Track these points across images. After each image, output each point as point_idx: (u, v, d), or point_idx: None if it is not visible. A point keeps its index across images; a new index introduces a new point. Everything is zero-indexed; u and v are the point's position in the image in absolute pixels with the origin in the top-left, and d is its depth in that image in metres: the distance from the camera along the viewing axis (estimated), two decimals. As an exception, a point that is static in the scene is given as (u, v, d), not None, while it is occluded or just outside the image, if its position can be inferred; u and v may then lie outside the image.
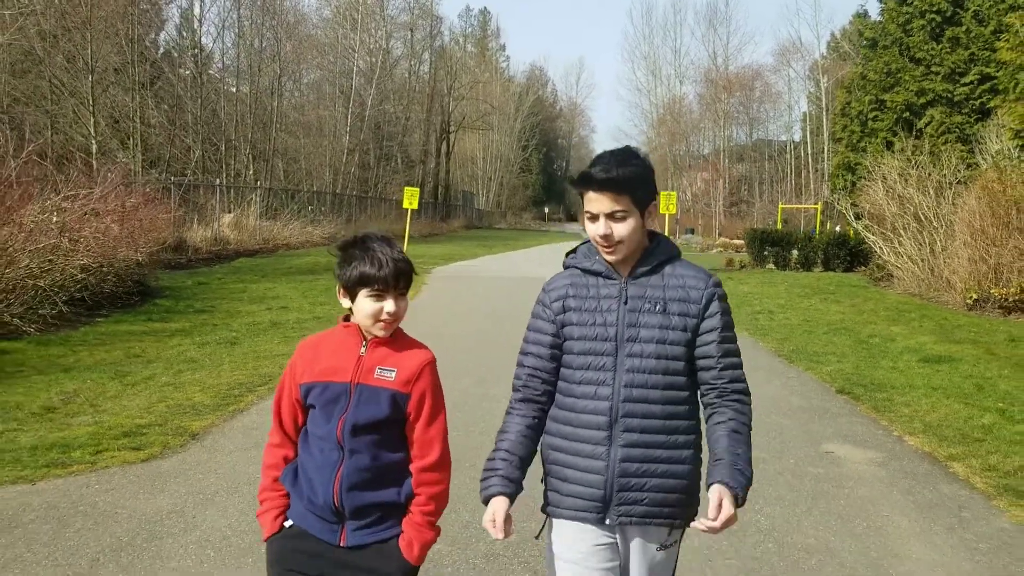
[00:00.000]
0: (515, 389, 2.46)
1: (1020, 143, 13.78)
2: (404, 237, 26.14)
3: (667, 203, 25.15)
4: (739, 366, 2.37)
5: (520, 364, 2.45)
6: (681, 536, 2.40)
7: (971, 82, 19.66)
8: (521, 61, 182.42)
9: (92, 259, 11.89)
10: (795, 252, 25.62)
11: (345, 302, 2.27)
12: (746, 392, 2.36)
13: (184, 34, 41.27)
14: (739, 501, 2.20)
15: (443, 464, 2.32)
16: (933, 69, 20.67)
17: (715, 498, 2.17)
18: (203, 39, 37.36)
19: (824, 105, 50.05)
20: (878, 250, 20.13)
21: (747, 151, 70.61)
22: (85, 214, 12.18)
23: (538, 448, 2.44)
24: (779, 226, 32.34)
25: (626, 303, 2.31)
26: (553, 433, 2.39)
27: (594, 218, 2.30)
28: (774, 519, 4.71)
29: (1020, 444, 6.25)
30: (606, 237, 2.29)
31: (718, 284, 2.37)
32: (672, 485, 2.29)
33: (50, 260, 11.38)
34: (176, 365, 8.72)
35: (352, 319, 2.30)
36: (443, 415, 2.33)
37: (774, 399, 7.74)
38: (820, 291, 18.21)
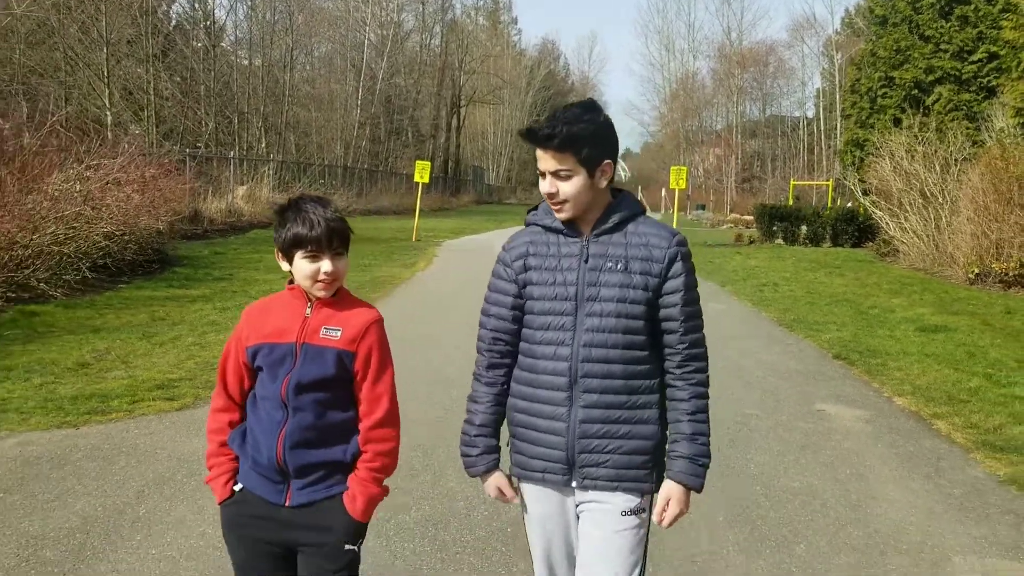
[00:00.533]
0: (479, 352, 2.44)
1: (1021, 121, 13.96)
2: (416, 210, 26.42)
3: (677, 178, 25.38)
4: (700, 328, 2.34)
5: (482, 326, 2.42)
6: (651, 503, 2.34)
7: (979, 60, 19.78)
8: (533, 34, 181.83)
9: (115, 227, 12.27)
10: (804, 228, 25.82)
11: (284, 265, 2.27)
12: (704, 358, 2.35)
13: (196, 6, 41.57)
14: (696, 490, 2.28)
15: (390, 421, 2.31)
16: (942, 47, 20.77)
17: (662, 498, 2.26)
18: (216, 11, 37.40)
19: (837, 82, 49.87)
20: (884, 225, 20.35)
21: (760, 127, 70.37)
22: (107, 183, 12.54)
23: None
24: (791, 202, 32.53)
25: (587, 261, 2.27)
26: (516, 395, 2.38)
27: (543, 175, 2.27)
28: (763, 466, 5.07)
29: (1002, 405, 6.58)
30: (551, 195, 2.26)
31: (682, 243, 2.32)
32: (636, 446, 2.27)
33: (74, 227, 11.76)
34: (200, 327, 9.11)
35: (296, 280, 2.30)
36: (390, 372, 2.32)
37: (772, 364, 8.08)
38: (826, 265, 18.48)
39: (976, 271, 15.05)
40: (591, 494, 2.29)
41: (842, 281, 15.39)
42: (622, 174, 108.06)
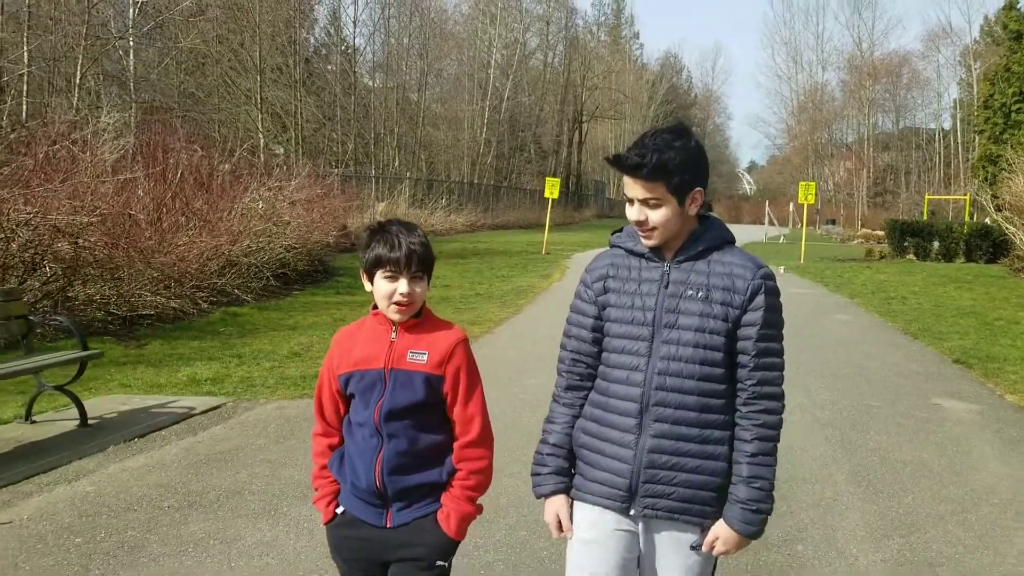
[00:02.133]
0: (559, 373, 2.42)
1: None
2: (545, 226, 27.64)
3: (806, 193, 25.73)
4: (776, 367, 2.23)
5: (563, 347, 2.40)
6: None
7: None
8: (655, 48, 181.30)
9: (294, 241, 14.01)
10: (936, 243, 25.66)
11: (367, 285, 2.33)
12: (776, 397, 2.24)
13: (331, 32, 44.38)
14: (750, 538, 2.22)
15: (484, 441, 2.35)
16: (1082, 58, 20.49)
17: (713, 533, 2.22)
18: (356, 40, 39.86)
19: (976, 92, 48.32)
20: (1018, 241, 20.23)
21: (893, 140, 68.48)
22: (288, 203, 14.32)
23: None
24: (924, 217, 32.11)
25: (667, 287, 2.23)
26: (587, 417, 2.34)
27: (631, 201, 2.23)
28: (880, 443, 5.94)
29: (1113, 404, 7.16)
30: (640, 223, 2.22)
31: (769, 276, 2.23)
32: (703, 482, 2.21)
33: (261, 242, 13.55)
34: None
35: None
36: (479, 391, 2.36)
37: (895, 365, 8.82)
38: (956, 280, 18.59)
39: (1112, 286, 15.02)
40: (655, 524, 2.26)
41: (971, 295, 15.64)
42: (747, 188, 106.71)
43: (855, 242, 38.37)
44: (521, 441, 5.36)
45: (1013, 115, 21.83)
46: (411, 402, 2.26)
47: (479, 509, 2.37)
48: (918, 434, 6.20)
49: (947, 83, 64.70)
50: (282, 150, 31.28)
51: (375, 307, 2.34)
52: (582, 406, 2.37)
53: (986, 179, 23.57)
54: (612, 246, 2.40)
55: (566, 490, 2.35)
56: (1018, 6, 24.74)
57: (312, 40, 42.22)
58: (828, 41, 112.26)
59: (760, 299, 2.19)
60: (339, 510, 2.37)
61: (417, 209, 32.43)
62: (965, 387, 7.88)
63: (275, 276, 14.05)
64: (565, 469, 2.36)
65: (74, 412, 5.92)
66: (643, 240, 2.26)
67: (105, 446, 5.40)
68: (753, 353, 2.19)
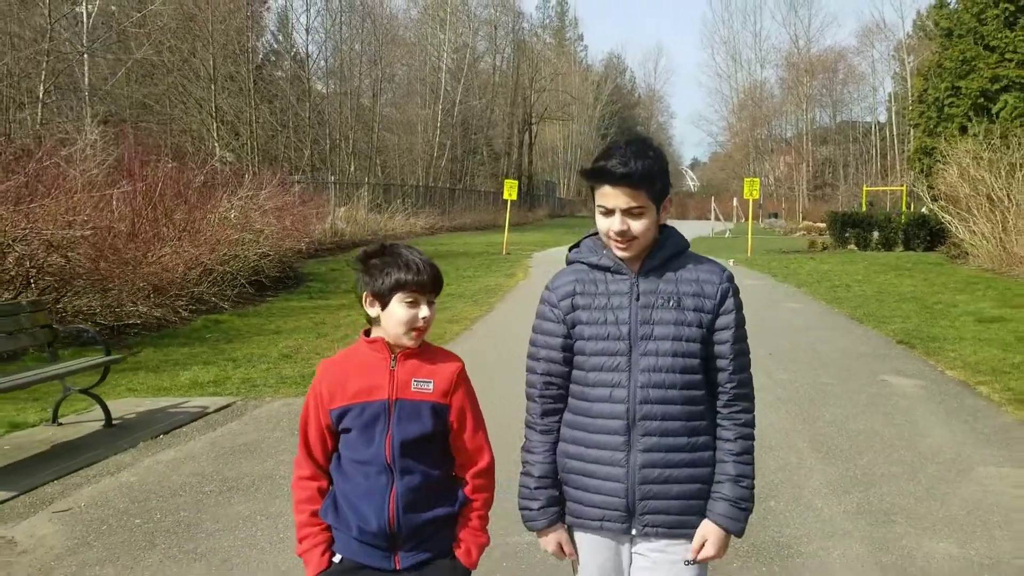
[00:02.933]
0: (531, 399, 2.36)
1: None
2: (505, 226, 28.25)
3: (750, 189, 26.70)
4: (749, 366, 2.32)
5: (531, 371, 2.35)
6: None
7: (1045, 67, 20.68)
8: (599, 50, 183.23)
9: (268, 248, 14.38)
10: (876, 233, 26.89)
11: (374, 311, 2.20)
12: (752, 396, 2.33)
13: (281, 39, 44.41)
14: (736, 534, 2.25)
15: (493, 467, 2.33)
16: (1007, 56, 21.74)
17: (699, 537, 2.23)
18: (308, 47, 40.00)
19: (910, 86, 50.05)
20: (954, 230, 21.37)
21: (831, 134, 70.27)
22: (261, 211, 14.69)
23: None
24: (863, 208, 33.50)
25: (638, 299, 2.22)
26: (568, 440, 2.30)
27: (608, 213, 2.20)
28: (836, 415, 6.63)
29: (1039, 375, 7.98)
30: (622, 234, 2.19)
31: (731, 278, 2.31)
32: (697, 490, 2.23)
33: (237, 250, 13.90)
34: (358, 327, 10.96)
35: (375, 332, 2.24)
36: (483, 419, 2.32)
37: (845, 347, 9.58)
38: (896, 268, 19.64)
39: (1040, 269, 16.11)
40: (652, 542, 2.26)
41: (911, 282, 16.62)
42: (691, 184, 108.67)
43: (798, 234, 39.72)
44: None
45: (946, 109, 23.03)
46: (421, 434, 2.17)
47: (489, 536, 2.33)
48: (869, 407, 6.90)
49: (882, 77, 66.89)
50: (231, 156, 31.28)
51: (367, 332, 2.25)
52: (559, 430, 2.33)
53: (922, 171, 24.80)
54: (572, 262, 2.36)
55: (561, 518, 2.32)
56: (948, 3, 26.06)
57: (261, 47, 42.28)
58: (766, 39, 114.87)
59: (730, 302, 2.25)
60: (335, 558, 2.22)
61: (376, 214, 32.75)
62: (909, 365, 8.65)
63: (249, 283, 14.42)
64: (556, 498, 2.32)
65: (95, 414, 6.33)
66: (618, 251, 2.23)
67: (135, 443, 5.84)
68: (730, 356, 2.24)
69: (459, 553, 2.24)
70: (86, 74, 22.89)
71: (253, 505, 4.71)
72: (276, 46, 44.24)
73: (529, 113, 65.08)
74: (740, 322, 2.28)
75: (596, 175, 2.19)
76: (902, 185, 37.83)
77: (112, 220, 10.49)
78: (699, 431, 2.23)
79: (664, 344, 2.19)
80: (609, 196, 2.18)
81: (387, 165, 45.55)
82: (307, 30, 38.79)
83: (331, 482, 2.25)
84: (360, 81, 40.71)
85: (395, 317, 2.16)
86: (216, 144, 31.59)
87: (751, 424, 2.31)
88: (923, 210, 27.52)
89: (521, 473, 2.34)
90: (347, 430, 2.18)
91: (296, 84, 37.98)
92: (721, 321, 2.24)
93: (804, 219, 49.86)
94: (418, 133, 46.22)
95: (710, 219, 66.48)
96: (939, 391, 7.51)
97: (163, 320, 11.17)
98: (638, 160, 2.14)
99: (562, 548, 2.32)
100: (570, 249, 2.38)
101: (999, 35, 22.03)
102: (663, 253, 2.26)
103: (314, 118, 37.49)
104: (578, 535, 2.31)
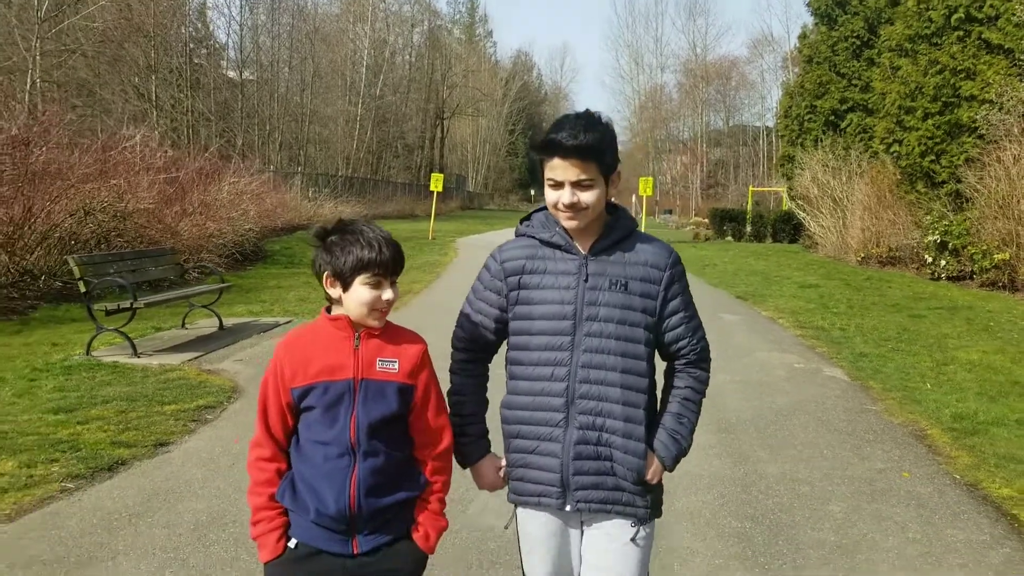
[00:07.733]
0: (458, 349, 2.42)
1: (884, 147, 19.67)
2: (431, 215, 31.71)
3: (645, 187, 30.75)
4: (704, 334, 2.40)
5: (461, 326, 2.40)
6: (652, 533, 2.36)
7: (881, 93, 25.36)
8: (508, 47, 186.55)
9: (253, 225, 17.51)
10: (748, 227, 31.56)
11: (335, 292, 2.16)
12: (709, 359, 2.42)
13: (200, 27, 46.20)
14: (667, 467, 2.30)
15: (452, 450, 2.32)
16: (853, 82, 26.46)
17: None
18: (229, 36, 42.26)
19: (776, 105, 54.67)
20: (807, 224, 25.96)
21: (723, 137, 74.04)
22: (243, 194, 17.79)
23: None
24: (749, 206, 38.31)
25: (587, 280, 2.23)
26: (511, 418, 2.33)
27: (558, 185, 2.19)
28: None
29: (819, 315, 12.03)
30: (572, 206, 2.18)
31: (678, 260, 2.33)
32: (630, 466, 2.25)
33: (231, 225, 16.99)
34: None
35: (336, 309, 2.19)
36: (444, 400, 2.32)
37: (699, 299, 13.45)
38: (758, 254, 24.05)
39: (862, 255, 20.64)
40: (586, 517, 2.31)
41: (765, 263, 20.95)
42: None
43: (687, 228, 44.44)
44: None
45: (805, 123, 27.64)
46: (385, 415, 2.14)
47: (446, 519, 2.30)
48: (709, 332, 10.75)
49: (770, 86, 71.65)
50: (177, 147, 33.43)
51: (328, 309, 2.21)
52: (482, 374, 2.43)
53: (785, 175, 29.50)
54: (519, 235, 2.36)
55: (489, 449, 2.40)
56: (808, 36, 30.87)
57: (189, 39, 44.05)
58: (667, 45, 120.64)
59: (677, 287, 2.31)
60: (291, 543, 2.16)
61: (308, 202, 35.54)
62: (740, 309, 12.66)
63: (232, 255, 17.49)
64: (486, 431, 2.40)
65: (204, 324, 9.60)
66: (566, 222, 2.23)
67: (250, 334, 9.20)
68: (688, 334, 2.35)
69: (417, 537, 2.22)
70: (36, 63, 25.02)
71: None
72: (204, 38, 46.19)
73: (441, 108, 67.83)
74: (688, 301, 2.37)
75: (547, 147, 2.20)
76: (783, 187, 42.69)
77: (155, 200, 13.54)
78: (635, 419, 2.25)
79: (608, 326, 2.22)
80: (559, 169, 2.19)
81: (310, 156, 48.10)
82: (241, 26, 41.03)
83: (290, 464, 2.21)
84: (287, 74, 43.24)
85: (358, 299, 2.12)
86: (157, 132, 33.70)
87: (704, 381, 2.41)
88: (786, 208, 32.36)
89: (451, 414, 2.35)
90: (309, 408, 2.14)
91: (225, 77, 40.27)
92: (672, 306, 2.31)
93: (695, 215, 54.75)
94: (339, 125, 48.82)
95: (610, 214, 70.13)
96: (754, 322, 11.47)
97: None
98: (588, 132, 2.15)
99: (498, 475, 2.39)
100: (521, 222, 2.39)
101: (848, 64, 26.73)
102: (613, 236, 2.29)
103: (247, 107, 39.89)
104: (520, 511, 2.37)
